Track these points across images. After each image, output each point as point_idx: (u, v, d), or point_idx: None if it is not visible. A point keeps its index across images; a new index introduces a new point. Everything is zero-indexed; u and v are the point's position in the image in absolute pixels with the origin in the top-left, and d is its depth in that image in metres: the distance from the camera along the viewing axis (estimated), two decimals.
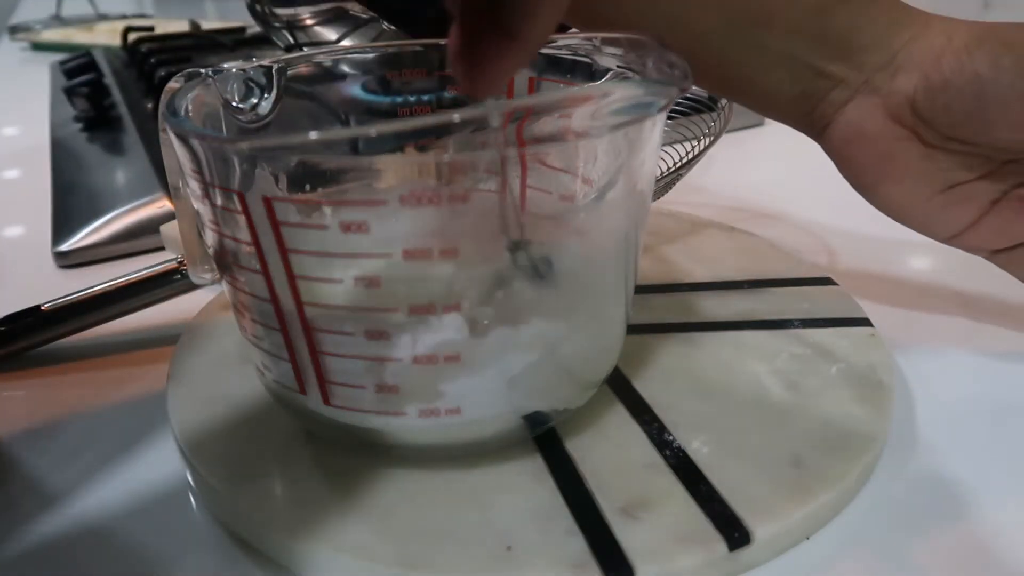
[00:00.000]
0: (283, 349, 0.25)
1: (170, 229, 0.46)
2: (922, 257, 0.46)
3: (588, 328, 0.27)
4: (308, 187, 0.27)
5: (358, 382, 0.24)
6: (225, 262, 0.25)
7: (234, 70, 0.28)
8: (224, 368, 0.32)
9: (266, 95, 0.29)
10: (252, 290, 0.24)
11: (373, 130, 0.20)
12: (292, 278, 0.23)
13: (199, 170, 0.23)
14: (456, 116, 0.19)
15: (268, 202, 0.22)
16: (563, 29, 0.35)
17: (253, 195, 0.22)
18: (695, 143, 0.45)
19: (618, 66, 0.28)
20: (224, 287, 0.27)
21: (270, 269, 0.23)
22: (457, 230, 0.23)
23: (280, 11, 0.70)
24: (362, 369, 0.24)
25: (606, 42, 0.29)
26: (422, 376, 0.24)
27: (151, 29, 1.18)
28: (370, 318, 0.24)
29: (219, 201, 0.23)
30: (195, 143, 0.22)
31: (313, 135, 0.20)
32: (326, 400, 0.25)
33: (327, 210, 0.23)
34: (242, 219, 0.22)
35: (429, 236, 0.22)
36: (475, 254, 0.26)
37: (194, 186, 0.24)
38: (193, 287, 0.38)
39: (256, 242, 0.23)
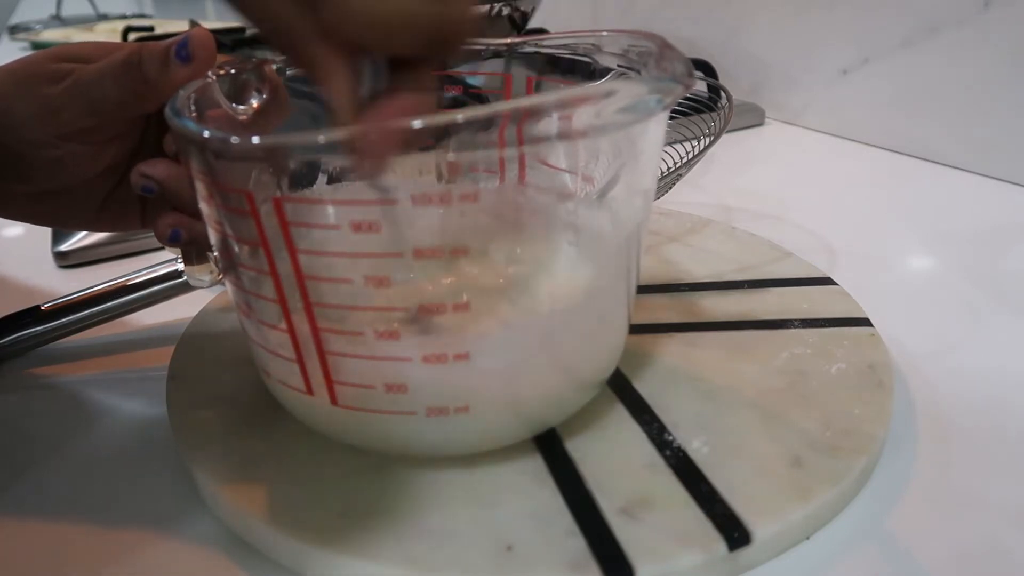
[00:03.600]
0: (290, 350, 0.25)
1: None
2: (922, 257, 0.46)
3: (592, 327, 0.27)
4: (310, 186, 0.27)
5: (367, 382, 0.24)
6: (229, 263, 0.25)
7: (233, 71, 0.28)
8: (224, 368, 0.32)
9: (264, 95, 0.29)
10: (259, 291, 0.24)
11: (374, 130, 0.20)
12: (301, 278, 0.23)
13: (204, 170, 0.23)
14: (460, 116, 0.19)
15: (278, 203, 0.22)
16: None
17: (262, 196, 0.22)
18: (695, 143, 0.45)
19: (619, 65, 0.28)
20: (228, 288, 0.27)
21: (279, 270, 0.23)
22: (467, 229, 0.23)
23: None
24: (371, 369, 0.24)
25: (607, 41, 0.29)
26: (432, 375, 0.24)
27: (151, 29, 1.18)
28: (380, 317, 0.23)
29: (225, 202, 0.23)
30: (200, 143, 0.22)
31: (319, 136, 0.20)
32: (334, 401, 0.25)
33: (337, 210, 0.23)
34: (250, 220, 0.22)
35: (440, 235, 0.22)
36: (486, 253, 0.26)
37: (199, 187, 0.24)
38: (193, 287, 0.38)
39: (264, 243, 0.23)
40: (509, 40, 0.31)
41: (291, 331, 0.24)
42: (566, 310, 0.26)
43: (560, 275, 0.27)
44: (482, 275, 0.26)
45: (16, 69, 0.29)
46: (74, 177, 0.30)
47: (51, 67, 0.29)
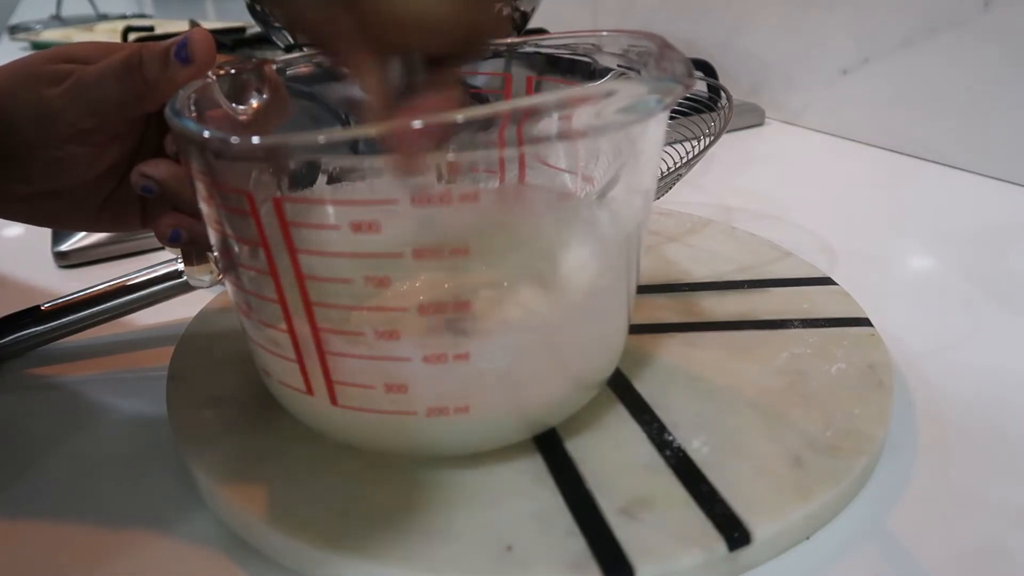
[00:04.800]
0: (290, 350, 0.25)
1: None
2: (922, 257, 0.46)
3: (592, 328, 0.27)
4: (310, 186, 0.27)
5: (367, 382, 0.24)
6: (229, 263, 0.25)
7: (233, 71, 0.28)
8: (224, 368, 0.32)
9: (264, 95, 0.29)
10: (259, 291, 0.24)
11: (375, 130, 0.20)
12: (301, 279, 0.23)
13: (204, 170, 0.23)
14: (460, 116, 0.19)
15: (278, 203, 0.22)
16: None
17: (262, 196, 0.22)
18: (695, 143, 0.45)
19: (619, 65, 0.28)
20: (228, 288, 0.27)
21: (279, 270, 0.23)
22: (467, 229, 0.23)
23: None
24: (371, 369, 0.24)
25: (607, 41, 0.29)
26: (432, 375, 0.24)
27: (151, 29, 1.18)
28: (380, 318, 0.23)
29: (225, 202, 0.23)
30: (200, 143, 0.22)
31: (319, 136, 0.20)
32: (333, 401, 0.25)
33: (337, 210, 0.23)
34: (250, 220, 0.22)
35: (440, 235, 0.22)
36: (486, 253, 0.26)
37: (199, 187, 0.24)
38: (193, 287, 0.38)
39: (265, 243, 0.23)
40: (509, 40, 0.31)
41: (291, 331, 0.24)
42: (566, 310, 0.26)
43: (560, 275, 0.27)
44: (482, 275, 0.26)
45: (16, 70, 0.29)
46: (74, 178, 0.30)
47: (51, 68, 0.29)
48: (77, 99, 0.28)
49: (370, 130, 0.20)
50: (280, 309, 0.24)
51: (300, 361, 0.25)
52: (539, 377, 0.26)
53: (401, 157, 0.21)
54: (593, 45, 0.29)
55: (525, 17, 0.71)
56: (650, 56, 0.26)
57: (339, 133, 0.21)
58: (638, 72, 0.27)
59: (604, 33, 0.29)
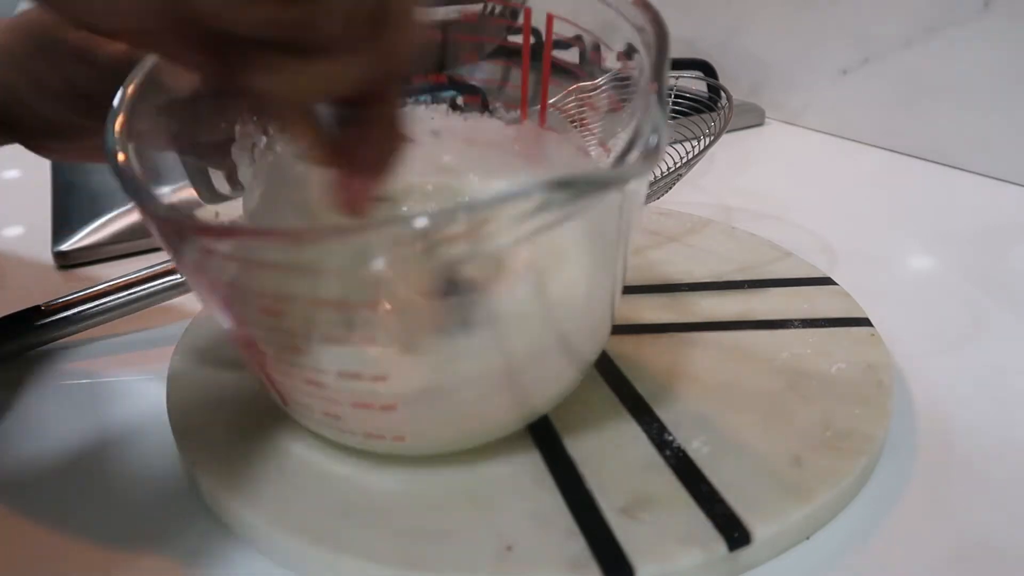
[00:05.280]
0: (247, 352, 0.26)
1: None
2: (922, 257, 0.46)
3: (533, 376, 0.26)
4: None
5: (307, 403, 0.25)
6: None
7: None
8: (224, 368, 0.32)
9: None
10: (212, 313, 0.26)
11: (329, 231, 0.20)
12: (242, 324, 0.24)
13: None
14: (423, 221, 0.18)
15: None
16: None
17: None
18: (695, 143, 0.45)
19: (619, 53, 0.28)
20: None
21: (220, 311, 0.24)
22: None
23: None
24: (308, 397, 0.25)
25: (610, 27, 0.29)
26: (361, 417, 0.25)
27: None
28: (305, 374, 0.24)
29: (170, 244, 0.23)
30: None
31: (285, 231, 0.21)
32: (285, 403, 0.26)
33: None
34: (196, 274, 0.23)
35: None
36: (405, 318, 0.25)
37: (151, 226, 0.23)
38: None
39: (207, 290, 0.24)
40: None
41: (242, 345, 0.25)
42: (493, 370, 0.25)
43: (502, 314, 0.25)
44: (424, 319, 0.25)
45: (35, 31, 0.29)
46: None
47: (74, 40, 0.29)
48: (108, 87, 0.28)
49: (326, 231, 0.21)
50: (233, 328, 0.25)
51: (256, 362, 0.26)
52: (471, 414, 0.26)
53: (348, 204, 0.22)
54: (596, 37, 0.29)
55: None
56: (646, 51, 0.26)
57: (309, 231, 0.21)
58: (636, 68, 0.27)
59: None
